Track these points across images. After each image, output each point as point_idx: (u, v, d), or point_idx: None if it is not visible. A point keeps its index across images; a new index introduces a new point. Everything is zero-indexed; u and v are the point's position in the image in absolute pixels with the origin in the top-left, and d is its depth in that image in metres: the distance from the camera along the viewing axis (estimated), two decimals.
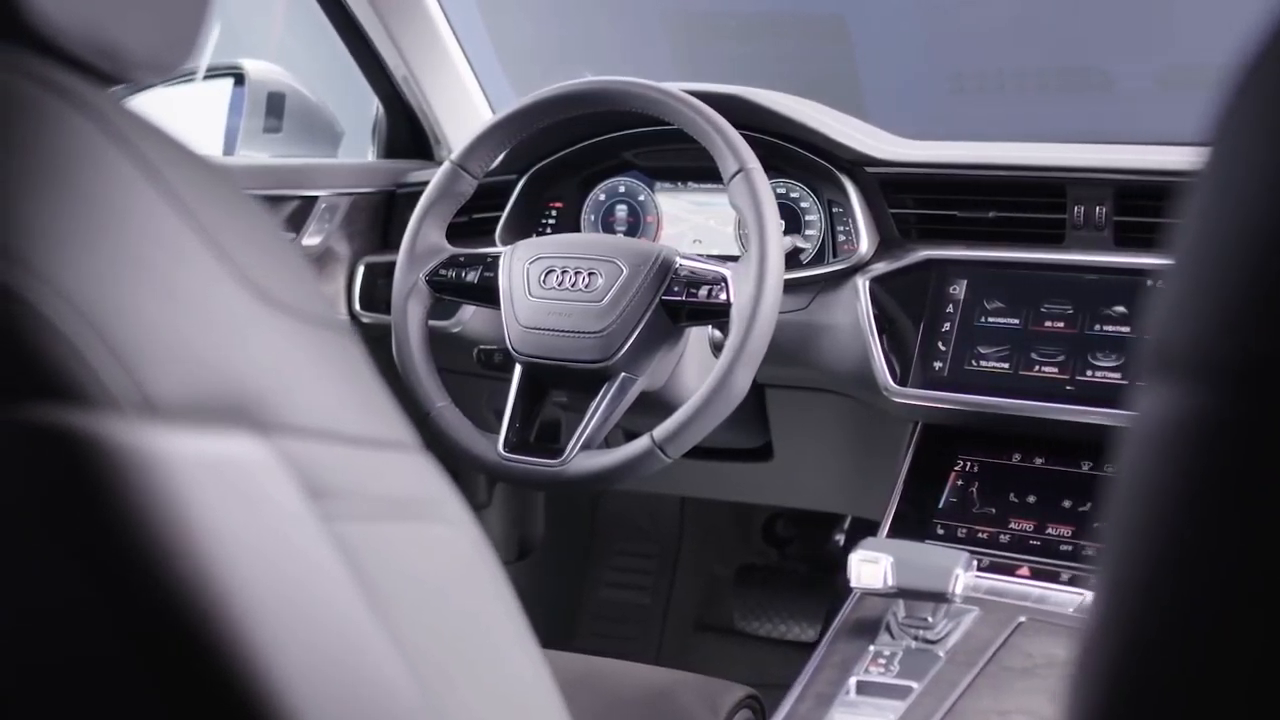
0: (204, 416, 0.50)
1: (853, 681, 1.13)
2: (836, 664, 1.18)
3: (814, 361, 1.52)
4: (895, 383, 1.43)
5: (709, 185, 1.65)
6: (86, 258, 0.49)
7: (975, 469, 1.41)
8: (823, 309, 1.52)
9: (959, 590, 1.16)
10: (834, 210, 1.56)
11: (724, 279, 1.35)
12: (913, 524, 1.39)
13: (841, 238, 1.56)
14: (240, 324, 0.54)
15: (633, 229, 1.70)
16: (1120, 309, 1.36)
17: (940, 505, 1.40)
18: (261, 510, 0.51)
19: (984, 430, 1.43)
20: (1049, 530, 1.33)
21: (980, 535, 1.36)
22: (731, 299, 1.33)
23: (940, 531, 1.38)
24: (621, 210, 1.70)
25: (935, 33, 1.87)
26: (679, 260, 1.38)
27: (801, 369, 1.53)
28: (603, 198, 1.71)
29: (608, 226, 1.71)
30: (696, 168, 1.65)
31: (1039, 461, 1.40)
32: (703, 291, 1.36)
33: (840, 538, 2.06)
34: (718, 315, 1.35)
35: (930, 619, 1.19)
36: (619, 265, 1.38)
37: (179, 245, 0.53)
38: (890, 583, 1.18)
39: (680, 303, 1.37)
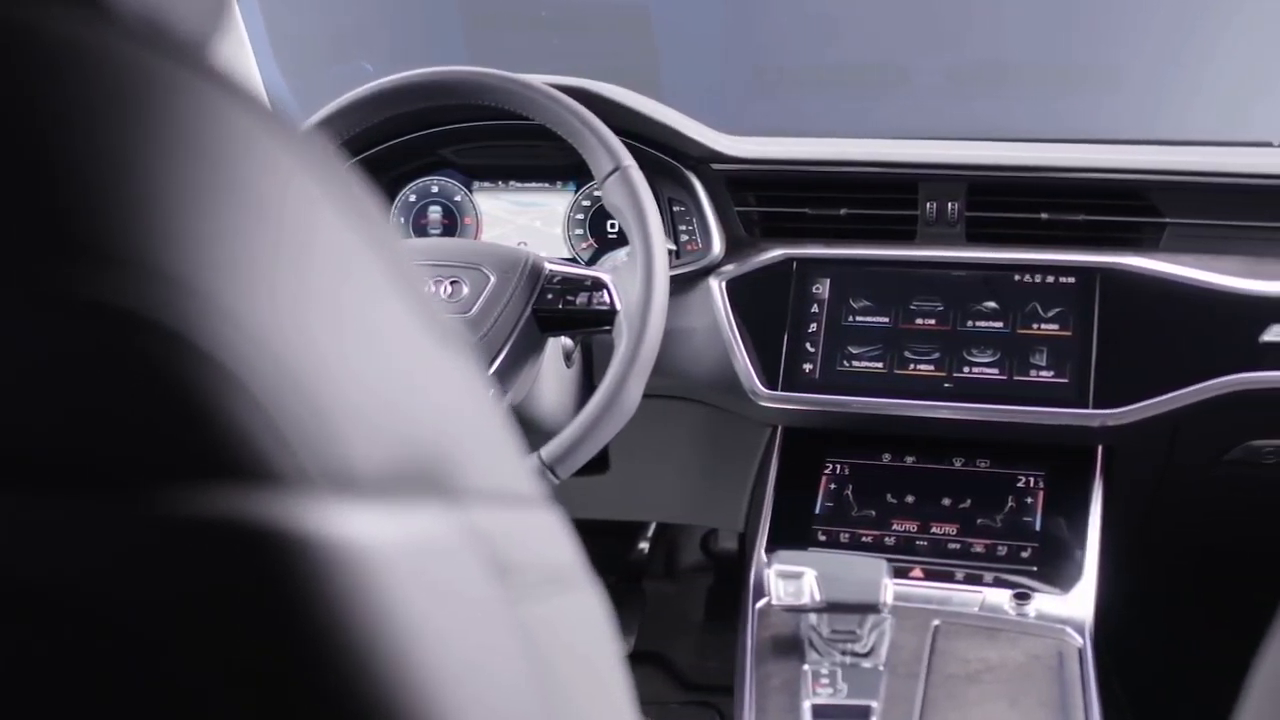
0: (400, 487, 0.39)
1: (807, 705, 1.07)
2: (778, 687, 1.12)
3: (669, 368, 1.45)
4: (763, 386, 1.39)
5: (533, 184, 1.56)
6: (273, 288, 0.36)
7: (846, 471, 1.38)
8: (676, 313, 1.45)
9: (889, 599, 1.13)
10: (675, 209, 1.50)
11: (605, 284, 1.26)
12: (790, 532, 1.35)
13: (685, 238, 1.49)
14: (428, 366, 0.43)
15: (448, 231, 1.58)
16: (990, 304, 1.36)
17: (817, 511, 1.36)
18: (459, 599, 0.41)
19: (850, 431, 1.40)
20: (934, 530, 1.32)
21: (865, 539, 1.33)
22: (617, 305, 1.25)
23: (822, 538, 1.34)
24: (435, 212, 1.58)
25: (737, 26, 1.84)
26: (548, 265, 1.29)
27: (655, 377, 1.45)
28: (414, 198, 1.59)
29: (420, 229, 1.58)
30: (519, 166, 1.55)
31: (910, 460, 1.38)
32: (580, 298, 1.27)
33: (645, 546, 2.00)
34: (599, 323, 1.27)
35: (858, 631, 1.15)
36: (485, 273, 1.27)
37: (364, 267, 0.41)
38: (818, 597, 1.13)
39: (555, 311, 1.27)
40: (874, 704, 1.07)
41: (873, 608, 1.13)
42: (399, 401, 0.39)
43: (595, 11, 1.82)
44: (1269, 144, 1.58)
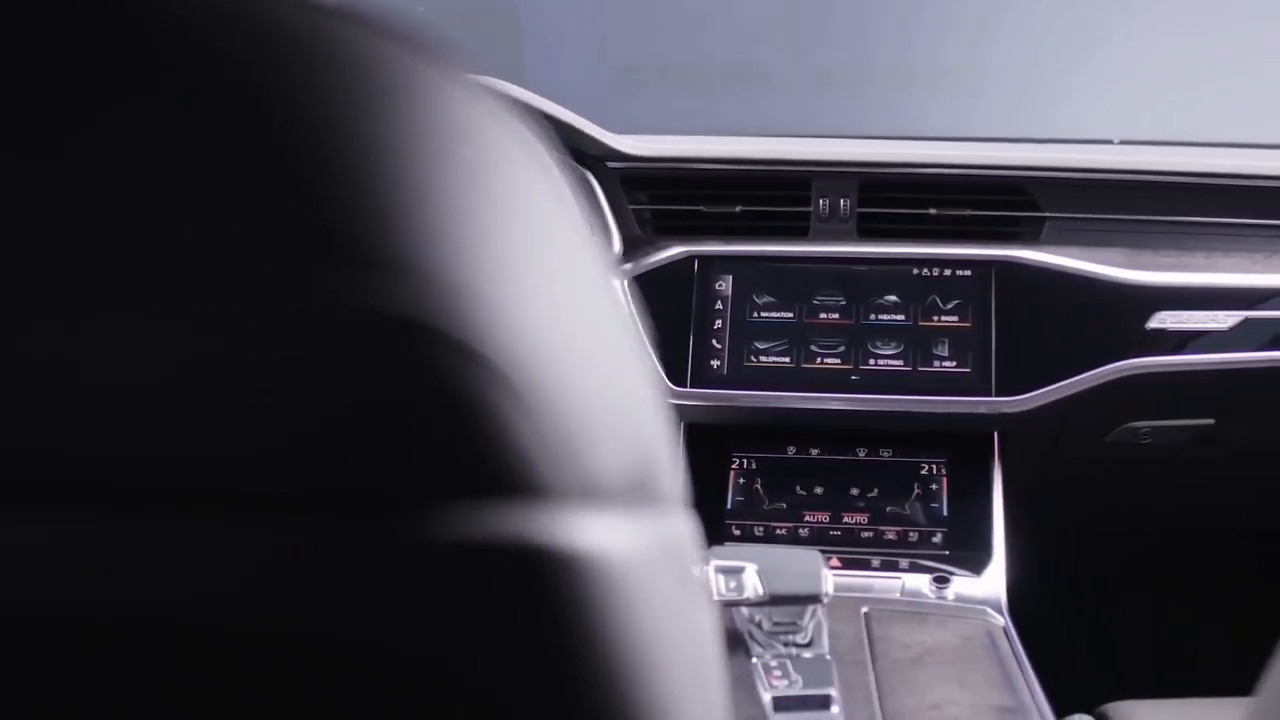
0: (630, 495, 0.38)
1: (768, 698, 1.08)
2: (733, 682, 1.12)
3: None
4: (672, 383, 1.40)
5: None
6: (535, 290, 0.35)
7: (754, 466, 1.40)
8: None
9: (830, 589, 1.15)
10: None
11: None
12: (704, 528, 1.36)
13: None
14: (640, 370, 0.42)
15: None
16: (891, 298, 1.40)
17: (729, 506, 1.38)
18: (672, 605, 0.41)
19: (754, 425, 1.42)
20: (845, 519, 1.35)
21: (779, 532, 1.35)
22: None
23: (736, 532, 1.36)
24: None
25: (605, 24, 1.84)
26: None
27: None
28: None
29: None
30: None
31: (815, 453, 1.41)
32: None
33: None
34: None
35: (800, 622, 1.17)
36: None
37: (592, 265, 0.40)
38: (761, 591, 1.14)
39: None
40: (832, 692, 1.08)
41: (815, 598, 1.15)
42: (629, 409, 0.39)
43: (462, 8, 1.79)
44: (1109, 141, 1.67)
